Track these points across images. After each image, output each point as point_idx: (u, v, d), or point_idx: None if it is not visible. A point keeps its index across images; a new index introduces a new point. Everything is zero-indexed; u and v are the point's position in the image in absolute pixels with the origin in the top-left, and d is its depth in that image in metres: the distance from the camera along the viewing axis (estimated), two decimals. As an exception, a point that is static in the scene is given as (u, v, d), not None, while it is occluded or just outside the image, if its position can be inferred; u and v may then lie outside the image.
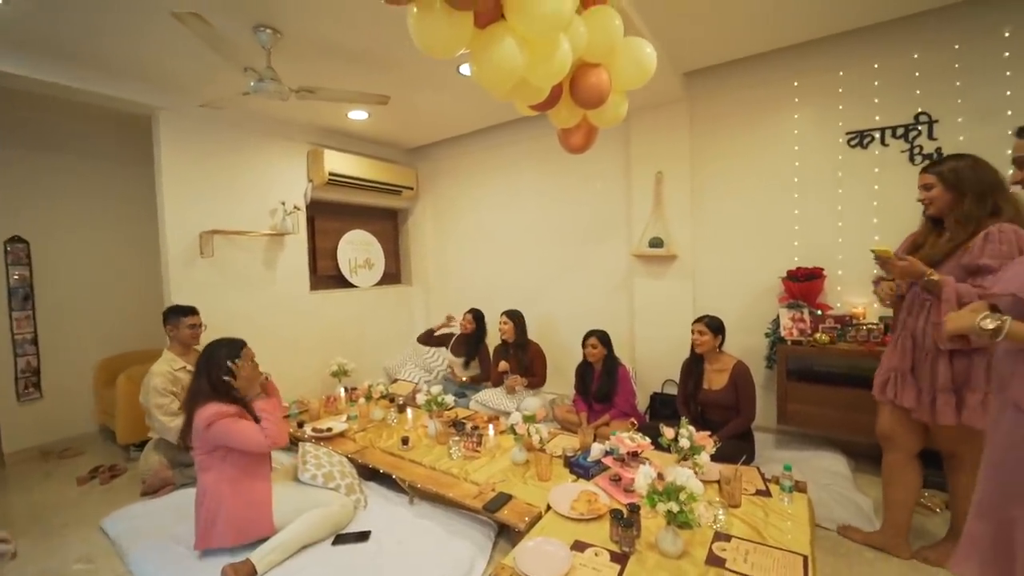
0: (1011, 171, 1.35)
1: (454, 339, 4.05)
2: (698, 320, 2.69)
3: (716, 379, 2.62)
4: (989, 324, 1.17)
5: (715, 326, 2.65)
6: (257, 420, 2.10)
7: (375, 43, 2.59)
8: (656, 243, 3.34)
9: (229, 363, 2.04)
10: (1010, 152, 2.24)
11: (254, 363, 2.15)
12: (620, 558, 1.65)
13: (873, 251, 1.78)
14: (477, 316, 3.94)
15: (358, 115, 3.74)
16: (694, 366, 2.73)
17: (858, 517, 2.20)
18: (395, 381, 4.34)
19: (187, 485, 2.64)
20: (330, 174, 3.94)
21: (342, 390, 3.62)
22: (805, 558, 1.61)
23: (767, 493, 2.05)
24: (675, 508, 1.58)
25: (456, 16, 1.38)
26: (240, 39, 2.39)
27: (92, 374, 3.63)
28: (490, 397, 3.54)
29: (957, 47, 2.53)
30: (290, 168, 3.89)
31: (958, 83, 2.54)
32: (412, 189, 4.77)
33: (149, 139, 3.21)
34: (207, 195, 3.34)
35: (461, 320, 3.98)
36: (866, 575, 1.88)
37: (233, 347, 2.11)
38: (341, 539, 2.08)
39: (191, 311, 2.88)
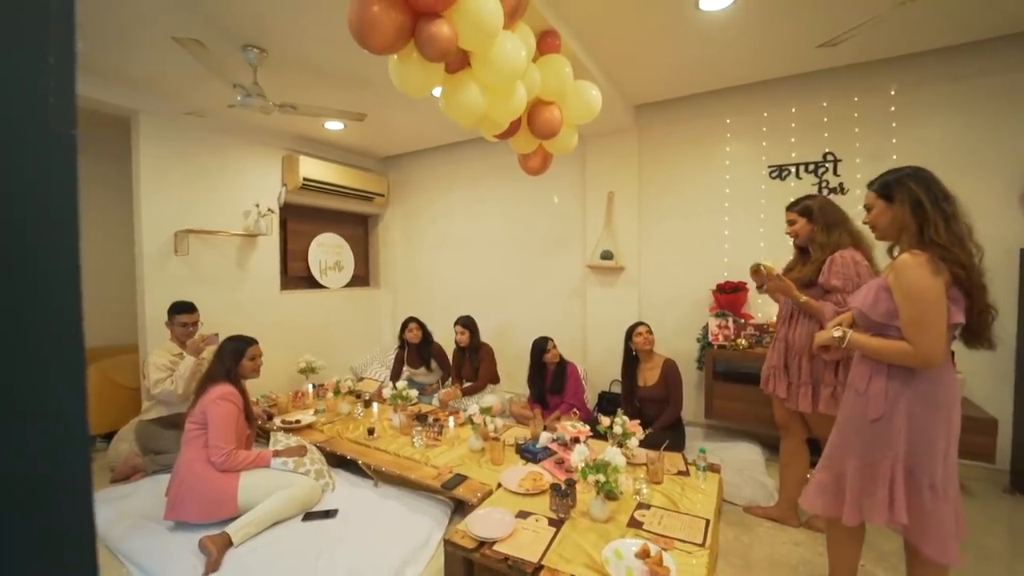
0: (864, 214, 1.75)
1: (407, 353, 4.08)
2: (641, 323, 3.04)
3: (650, 376, 2.98)
4: (836, 333, 1.57)
5: (650, 327, 3.03)
6: (249, 418, 2.48)
7: (354, 64, 2.83)
8: (607, 255, 3.70)
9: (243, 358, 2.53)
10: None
11: (254, 360, 2.58)
12: (556, 523, 1.94)
13: (760, 265, 2.18)
14: (420, 324, 4.00)
15: (334, 125, 3.94)
16: (630, 368, 3.08)
17: (764, 496, 2.58)
18: (361, 379, 4.52)
19: (158, 472, 2.77)
20: (304, 179, 4.11)
21: (310, 386, 3.79)
22: (707, 521, 1.95)
23: (687, 473, 2.40)
24: (602, 478, 1.89)
25: (430, 65, 1.66)
26: (229, 57, 2.59)
27: (55, 367, 3.65)
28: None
29: (856, 99, 3.01)
30: (265, 172, 4.05)
31: (857, 129, 3.02)
32: (383, 196, 4.98)
33: (122, 138, 3.31)
34: (183, 195, 3.46)
35: (407, 332, 3.96)
36: (763, 539, 2.25)
37: (241, 342, 2.56)
38: (310, 516, 2.29)
39: (187, 309, 3.00)
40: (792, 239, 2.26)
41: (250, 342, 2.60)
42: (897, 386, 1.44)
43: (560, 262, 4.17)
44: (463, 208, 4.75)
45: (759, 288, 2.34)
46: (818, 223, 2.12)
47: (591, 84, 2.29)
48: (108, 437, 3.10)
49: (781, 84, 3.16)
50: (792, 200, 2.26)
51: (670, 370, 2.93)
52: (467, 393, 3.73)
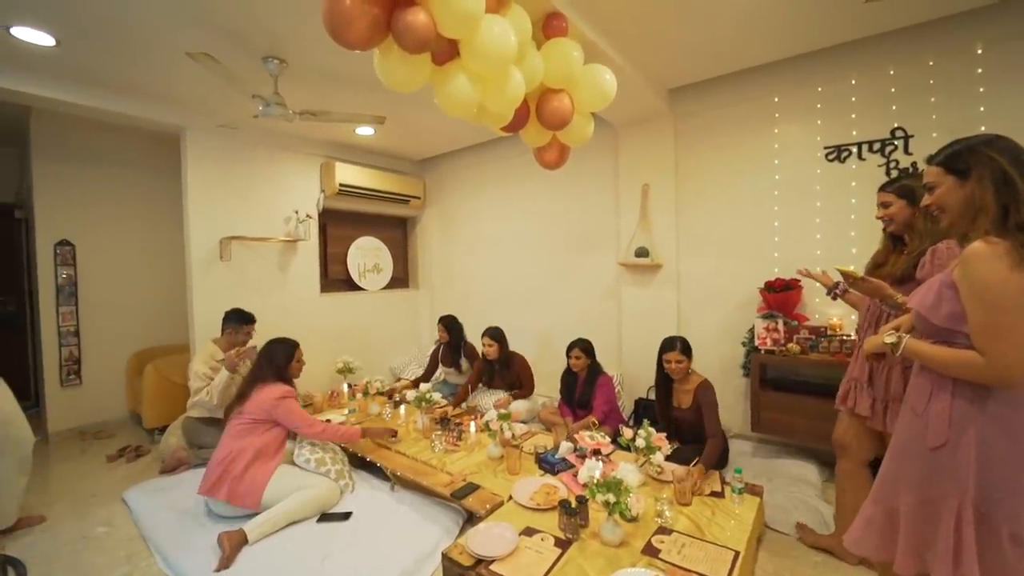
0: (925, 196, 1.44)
1: (440, 352, 4.09)
2: (672, 347, 2.63)
3: (684, 399, 2.65)
4: (889, 339, 1.29)
5: (689, 349, 2.65)
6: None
7: (372, 69, 2.83)
8: (642, 253, 3.45)
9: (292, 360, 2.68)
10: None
11: (300, 361, 2.75)
12: (564, 544, 1.80)
13: (839, 270, 1.86)
14: (447, 324, 3.96)
15: (364, 131, 4.02)
16: (663, 385, 2.75)
17: (817, 523, 2.25)
18: (399, 380, 4.59)
19: (199, 465, 2.93)
20: (341, 185, 4.23)
21: (346, 386, 3.88)
22: (736, 553, 1.72)
23: (721, 495, 2.15)
24: (612, 498, 1.72)
25: (413, 57, 1.59)
26: (250, 69, 2.69)
27: (125, 365, 4.03)
28: (481, 400, 3.70)
29: (931, 64, 2.57)
30: (304, 179, 4.21)
31: (932, 99, 2.58)
32: (420, 199, 5.03)
33: (177, 153, 3.57)
34: (227, 204, 3.67)
35: (437, 332, 4.02)
36: (809, 575, 1.95)
37: (290, 345, 2.70)
38: (325, 517, 2.31)
39: (253, 320, 3.22)
40: (884, 224, 1.91)
41: (296, 344, 2.74)
42: (965, 407, 1.16)
43: (593, 260, 3.97)
44: (496, 207, 4.67)
45: (831, 295, 2.04)
46: (918, 204, 1.78)
47: (604, 68, 2.11)
48: (164, 430, 3.34)
49: (838, 52, 2.77)
50: (886, 180, 1.92)
51: (703, 395, 2.55)
52: (520, 397, 3.61)
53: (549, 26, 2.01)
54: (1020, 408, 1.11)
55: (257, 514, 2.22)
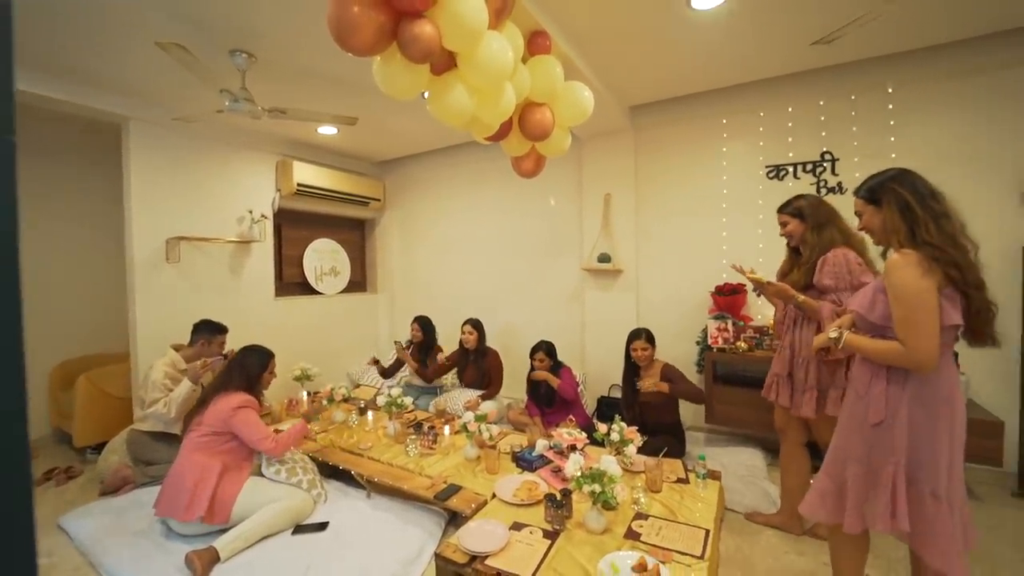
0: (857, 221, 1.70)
1: (411, 349, 4.10)
2: (638, 336, 2.94)
3: (650, 384, 2.90)
4: (832, 335, 1.53)
5: (652, 339, 2.95)
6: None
7: (346, 67, 2.79)
8: (604, 258, 3.65)
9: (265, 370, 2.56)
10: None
11: (272, 373, 2.62)
12: (551, 535, 1.89)
13: (750, 277, 2.12)
14: (423, 324, 3.99)
15: (327, 130, 3.92)
16: (630, 375, 3.00)
17: (766, 503, 2.52)
18: (358, 386, 4.47)
19: (147, 484, 2.71)
20: (298, 185, 4.08)
21: (304, 394, 3.73)
22: (707, 531, 1.90)
23: (686, 481, 2.34)
24: (597, 489, 1.84)
25: (415, 66, 1.62)
26: (216, 62, 2.56)
27: (47, 377, 3.61)
28: (449, 402, 3.72)
29: (853, 98, 2.97)
30: (259, 178, 4.01)
31: (854, 128, 2.98)
32: (379, 200, 4.95)
33: (114, 145, 3.28)
34: (175, 202, 3.42)
35: (410, 331, 4.04)
36: (765, 548, 2.19)
37: (264, 354, 2.57)
38: (301, 529, 2.23)
39: (225, 331, 3.08)
40: (788, 241, 2.22)
41: (271, 354, 2.62)
42: (897, 390, 1.40)
43: (558, 265, 4.12)
44: (460, 212, 4.71)
45: (756, 291, 2.30)
46: (808, 223, 2.09)
47: (583, 85, 2.25)
48: (98, 448, 3.05)
49: (777, 83, 3.12)
50: (783, 202, 2.22)
51: (670, 372, 2.86)
52: (487, 396, 3.66)
53: (534, 43, 2.12)
54: (932, 386, 1.37)
55: (226, 529, 2.12)
